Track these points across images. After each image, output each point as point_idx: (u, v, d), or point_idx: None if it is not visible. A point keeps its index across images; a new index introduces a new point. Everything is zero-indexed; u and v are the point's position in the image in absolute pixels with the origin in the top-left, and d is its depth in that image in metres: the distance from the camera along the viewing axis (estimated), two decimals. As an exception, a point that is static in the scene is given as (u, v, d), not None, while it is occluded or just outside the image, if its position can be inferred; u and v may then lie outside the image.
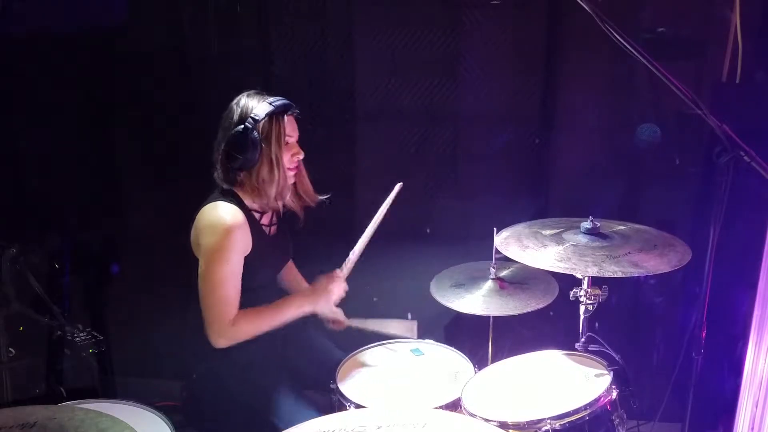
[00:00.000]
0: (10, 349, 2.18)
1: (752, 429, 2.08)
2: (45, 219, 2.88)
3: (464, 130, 2.81)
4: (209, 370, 2.12)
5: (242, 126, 2.01)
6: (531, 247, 2.06)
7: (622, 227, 2.20)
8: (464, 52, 2.71)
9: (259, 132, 2.03)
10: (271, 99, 2.07)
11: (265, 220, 2.18)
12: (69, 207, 2.93)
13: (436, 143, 2.83)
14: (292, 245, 2.34)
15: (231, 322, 2.01)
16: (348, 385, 2.03)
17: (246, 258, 2.06)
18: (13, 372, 2.22)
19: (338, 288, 2.22)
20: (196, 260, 2.05)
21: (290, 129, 2.10)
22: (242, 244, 2.04)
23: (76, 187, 2.92)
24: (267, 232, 2.18)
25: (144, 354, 2.87)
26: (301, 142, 2.14)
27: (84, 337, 2.26)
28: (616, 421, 1.84)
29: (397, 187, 2.27)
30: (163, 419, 1.86)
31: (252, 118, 2.02)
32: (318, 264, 2.45)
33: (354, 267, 2.26)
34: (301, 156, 2.13)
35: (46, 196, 2.92)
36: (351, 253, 2.26)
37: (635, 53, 1.61)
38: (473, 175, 2.84)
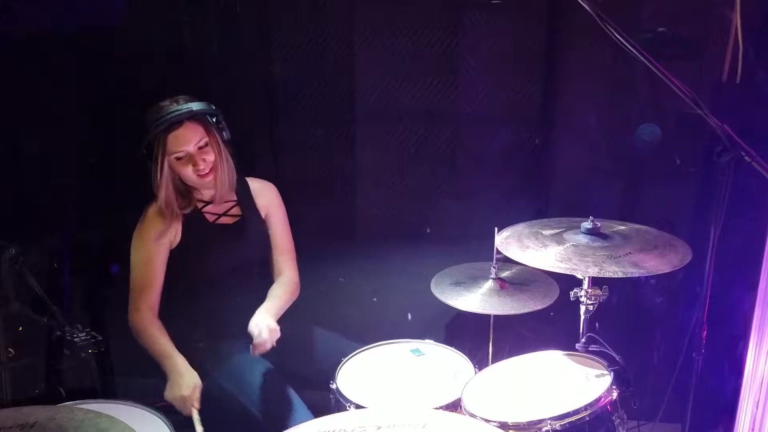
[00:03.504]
0: (10, 349, 2.18)
1: (752, 429, 2.08)
2: (45, 219, 2.88)
3: (464, 130, 2.81)
4: (205, 372, 2.12)
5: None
6: (531, 247, 2.06)
7: (623, 227, 2.19)
8: (464, 52, 2.71)
9: (150, 151, 2.13)
10: (157, 116, 2.12)
11: (213, 209, 2.24)
12: (69, 207, 2.92)
13: (436, 143, 2.83)
14: (255, 242, 2.31)
15: (136, 309, 2.16)
16: (348, 385, 2.03)
17: (182, 246, 2.17)
18: (13, 372, 2.21)
19: (187, 403, 2.04)
20: None
21: (177, 143, 2.12)
22: (161, 233, 2.15)
23: (76, 187, 2.92)
24: (211, 220, 2.23)
25: (144, 354, 2.86)
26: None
27: (84, 337, 2.25)
28: (617, 421, 1.83)
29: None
30: (163, 419, 1.86)
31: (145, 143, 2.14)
32: (318, 264, 2.44)
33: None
34: (200, 166, 2.14)
35: (46, 196, 2.92)
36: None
37: (636, 53, 1.61)
38: (473, 175, 2.84)
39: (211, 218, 2.21)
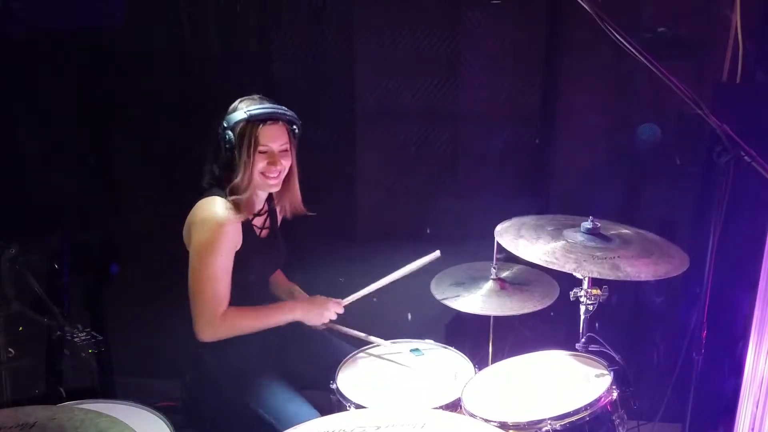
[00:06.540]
0: (10, 349, 2.18)
1: (752, 429, 2.08)
2: (45, 219, 2.88)
3: (464, 130, 2.81)
4: (206, 371, 2.12)
5: (218, 131, 2.06)
6: (525, 238, 2.06)
7: (626, 230, 2.18)
8: (464, 51, 2.71)
9: (235, 137, 2.03)
10: (254, 106, 2.04)
11: (257, 222, 2.19)
12: (69, 207, 2.92)
13: (436, 143, 2.83)
14: (284, 252, 2.32)
15: (221, 318, 2.05)
16: (348, 385, 2.03)
17: (236, 254, 2.08)
18: (13, 372, 2.21)
19: (334, 308, 2.23)
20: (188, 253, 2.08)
21: (267, 138, 2.05)
22: (233, 239, 2.06)
23: (76, 187, 2.92)
24: (258, 234, 2.19)
25: (144, 354, 2.87)
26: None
27: (84, 338, 2.25)
28: (617, 421, 1.83)
29: (434, 255, 2.25)
30: (163, 419, 1.86)
31: (224, 124, 2.05)
32: (318, 263, 2.44)
33: (356, 301, 2.28)
34: (278, 166, 2.08)
35: (46, 196, 2.92)
36: (361, 292, 2.27)
37: (636, 53, 1.61)
38: (473, 175, 2.84)
39: (257, 231, 2.20)
